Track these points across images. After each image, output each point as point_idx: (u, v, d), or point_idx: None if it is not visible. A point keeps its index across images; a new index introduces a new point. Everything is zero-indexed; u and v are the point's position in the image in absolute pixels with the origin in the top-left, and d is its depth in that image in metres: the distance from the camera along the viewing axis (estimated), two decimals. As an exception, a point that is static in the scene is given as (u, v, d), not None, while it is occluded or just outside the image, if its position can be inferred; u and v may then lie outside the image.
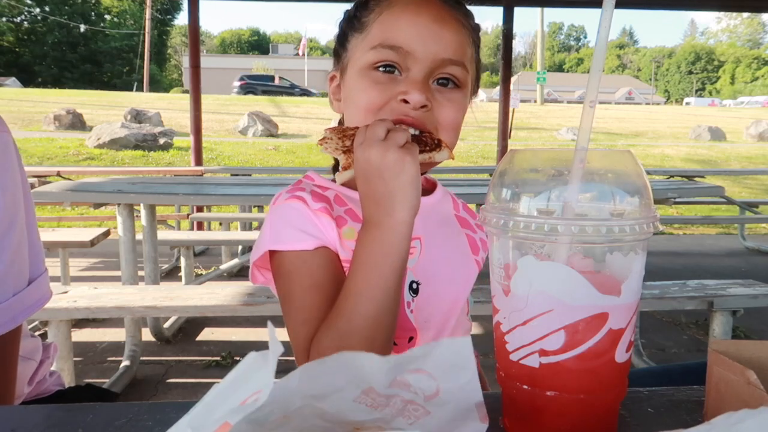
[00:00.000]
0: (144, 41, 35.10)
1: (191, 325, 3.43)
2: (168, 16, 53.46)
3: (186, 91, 19.44)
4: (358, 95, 0.81)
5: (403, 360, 0.44)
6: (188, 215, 5.77)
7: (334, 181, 0.88)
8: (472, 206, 1.08)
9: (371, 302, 0.67)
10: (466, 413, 0.46)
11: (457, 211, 0.95)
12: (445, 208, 0.93)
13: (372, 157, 0.67)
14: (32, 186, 3.63)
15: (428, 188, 0.94)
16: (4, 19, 43.63)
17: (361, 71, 0.80)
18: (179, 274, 4.27)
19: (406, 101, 0.76)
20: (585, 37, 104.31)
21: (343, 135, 0.73)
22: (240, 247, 4.95)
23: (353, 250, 0.71)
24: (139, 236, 3.02)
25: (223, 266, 4.42)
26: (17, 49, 44.93)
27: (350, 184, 0.86)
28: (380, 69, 0.79)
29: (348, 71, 0.84)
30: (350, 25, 0.85)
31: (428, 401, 0.45)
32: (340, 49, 0.87)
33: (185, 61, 21.67)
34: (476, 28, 0.86)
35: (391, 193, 0.67)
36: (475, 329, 3.19)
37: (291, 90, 31.60)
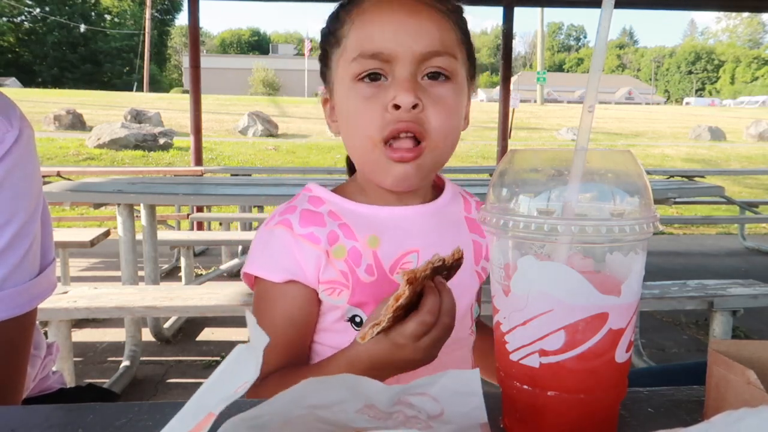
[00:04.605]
0: (144, 41, 35.09)
1: (191, 325, 3.43)
2: (168, 16, 53.52)
3: (186, 91, 19.44)
4: (352, 117, 0.78)
5: (407, 387, 0.45)
6: (188, 215, 5.77)
7: (333, 191, 0.86)
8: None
9: None
10: (468, 430, 0.46)
11: (469, 212, 0.90)
12: (453, 211, 0.88)
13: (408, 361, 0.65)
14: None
15: (438, 187, 0.91)
16: (4, 19, 43.63)
17: (348, 88, 0.77)
18: (179, 274, 4.26)
19: (396, 106, 0.73)
20: (585, 37, 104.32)
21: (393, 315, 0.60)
22: (240, 247, 4.95)
23: (329, 360, 0.72)
24: (139, 236, 3.02)
25: (223, 266, 4.43)
26: (17, 49, 44.94)
27: (349, 194, 0.84)
28: (365, 80, 0.76)
29: (336, 90, 0.81)
30: (327, 41, 0.82)
31: (431, 419, 0.45)
32: (324, 69, 0.84)
33: (185, 61, 21.68)
34: (457, 10, 0.81)
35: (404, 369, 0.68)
36: (475, 329, 3.18)
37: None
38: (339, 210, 0.82)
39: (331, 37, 0.81)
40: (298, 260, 0.77)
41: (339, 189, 0.87)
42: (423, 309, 0.60)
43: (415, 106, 0.74)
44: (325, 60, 0.83)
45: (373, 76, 0.76)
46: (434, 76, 0.76)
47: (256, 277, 0.80)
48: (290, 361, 0.79)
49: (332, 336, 0.82)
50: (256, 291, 0.81)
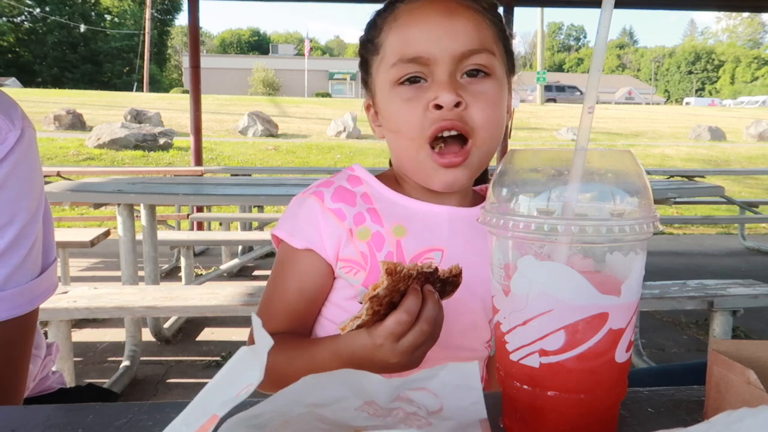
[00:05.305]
0: (144, 41, 35.08)
1: (191, 325, 3.43)
2: (168, 16, 53.44)
3: (186, 91, 19.44)
4: (393, 119, 0.80)
5: (406, 381, 0.45)
6: (188, 215, 5.77)
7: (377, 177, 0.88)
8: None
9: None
10: (468, 427, 0.46)
11: None
12: None
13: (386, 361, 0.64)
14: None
15: (482, 194, 0.91)
16: (4, 19, 43.59)
17: (389, 92, 0.80)
18: (179, 274, 4.26)
19: (438, 106, 0.75)
20: (585, 37, 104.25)
21: (379, 303, 0.60)
22: (240, 247, 4.95)
23: (321, 343, 0.72)
24: (139, 236, 3.02)
25: (223, 266, 4.42)
26: (17, 49, 44.90)
27: (386, 182, 0.86)
28: (406, 83, 0.78)
29: (378, 96, 0.84)
30: (366, 49, 0.85)
31: (431, 415, 0.45)
32: (365, 76, 0.87)
33: (185, 61, 21.68)
34: (492, 7, 0.82)
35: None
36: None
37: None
38: (374, 194, 0.84)
39: (369, 44, 0.84)
40: (320, 231, 0.80)
41: (380, 176, 0.89)
42: (401, 307, 0.60)
43: (457, 104, 0.75)
44: (365, 67, 0.86)
45: (413, 79, 0.78)
46: (473, 73, 0.78)
47: (281, 241, 0.84)
48: (292, 327, 0.82)
49: (341, 314, 0.83)
50: (278, 253, 0.85)
